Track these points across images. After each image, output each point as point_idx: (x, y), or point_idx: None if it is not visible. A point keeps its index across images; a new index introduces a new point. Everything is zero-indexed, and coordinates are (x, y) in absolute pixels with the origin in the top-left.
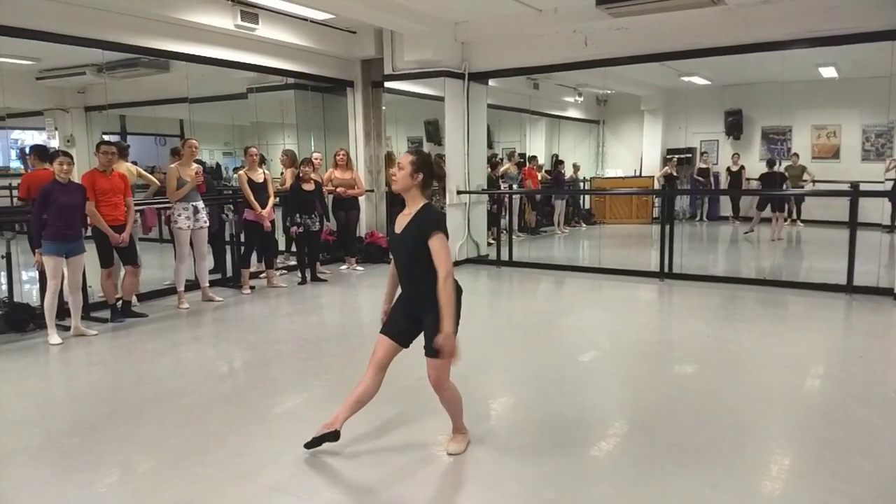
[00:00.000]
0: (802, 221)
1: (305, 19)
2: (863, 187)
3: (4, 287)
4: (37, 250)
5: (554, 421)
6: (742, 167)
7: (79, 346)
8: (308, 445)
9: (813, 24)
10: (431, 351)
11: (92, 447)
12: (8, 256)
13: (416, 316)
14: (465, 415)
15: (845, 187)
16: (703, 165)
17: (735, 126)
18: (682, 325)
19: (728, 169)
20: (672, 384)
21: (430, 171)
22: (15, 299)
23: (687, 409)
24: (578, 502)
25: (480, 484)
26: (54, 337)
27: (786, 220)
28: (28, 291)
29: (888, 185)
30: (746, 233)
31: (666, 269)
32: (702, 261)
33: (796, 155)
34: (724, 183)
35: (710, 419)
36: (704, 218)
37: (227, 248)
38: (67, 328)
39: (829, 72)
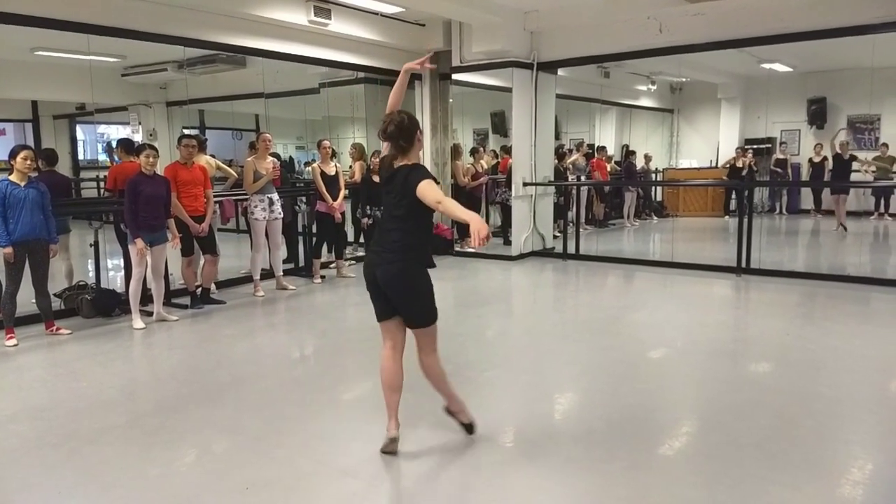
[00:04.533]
0: (891, 215)
1: (376, 13)
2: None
3: (92, 274)
4: (137, 239)
5: (624, 418)
6: (825, 158)
7: (161, 330)
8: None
9: None
10: (415, 322)
11: (173, 427)
12: (96, 245)
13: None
14: (536, 410)
15: None
16: (781, 156)
17: (818, 115)
18: (760, 323)
19: (810, 160)
20: (749, 383)
21: None
22: (102, 285)
23: (765, 409)
24: (651, 502)
25: (550, 479)
26: (138, 322)
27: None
28: (114, 278)
29: None
30: (837, 229)
31: (743, 264)
32: (781, 255)
33: (885, 145)
34: (805, 174)
35: (790, 420)
36: (784, 211)
37: (300, 238)
38: (150, 314)
39: None
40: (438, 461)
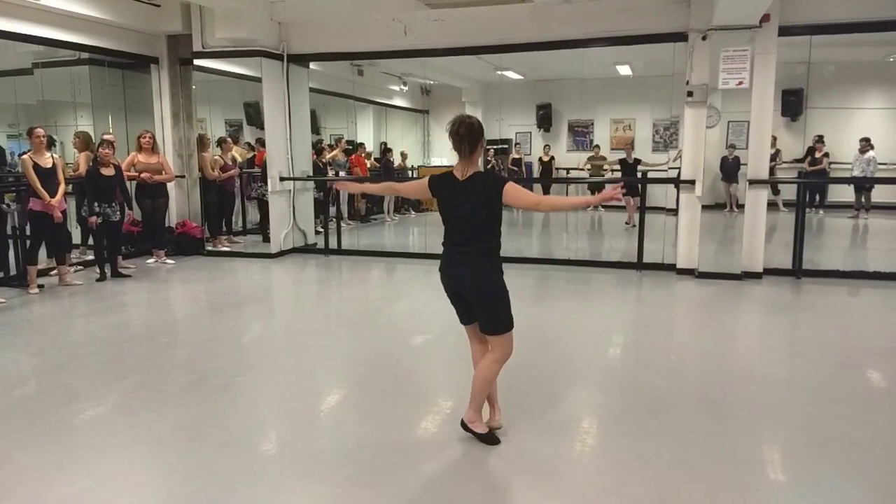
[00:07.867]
0: (604, 207)
1: None
2: (651, 175)
3: None
4: None
5: (377, 406)
6: (552, 157)
7: None
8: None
9: (609, 24)
10: (490, 329)
11: None
12: None
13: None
14: (291, 410)
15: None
16: (517, 156)
17: (545, 119)
18: None
19: (540, 159)
20: None
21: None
22: None
23: (502, 384)
24: (404, 482)
25: (297, 479)
26: None
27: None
28: None
29: (674, 173)
30: (627, 225)
31: None
32: (519, 244)
33: (597, 146)
34: (536, 172)
35: (521, 390)
36: None
37: (10, 242)
38: None
39: (624, 70)
40: (184, 477)
